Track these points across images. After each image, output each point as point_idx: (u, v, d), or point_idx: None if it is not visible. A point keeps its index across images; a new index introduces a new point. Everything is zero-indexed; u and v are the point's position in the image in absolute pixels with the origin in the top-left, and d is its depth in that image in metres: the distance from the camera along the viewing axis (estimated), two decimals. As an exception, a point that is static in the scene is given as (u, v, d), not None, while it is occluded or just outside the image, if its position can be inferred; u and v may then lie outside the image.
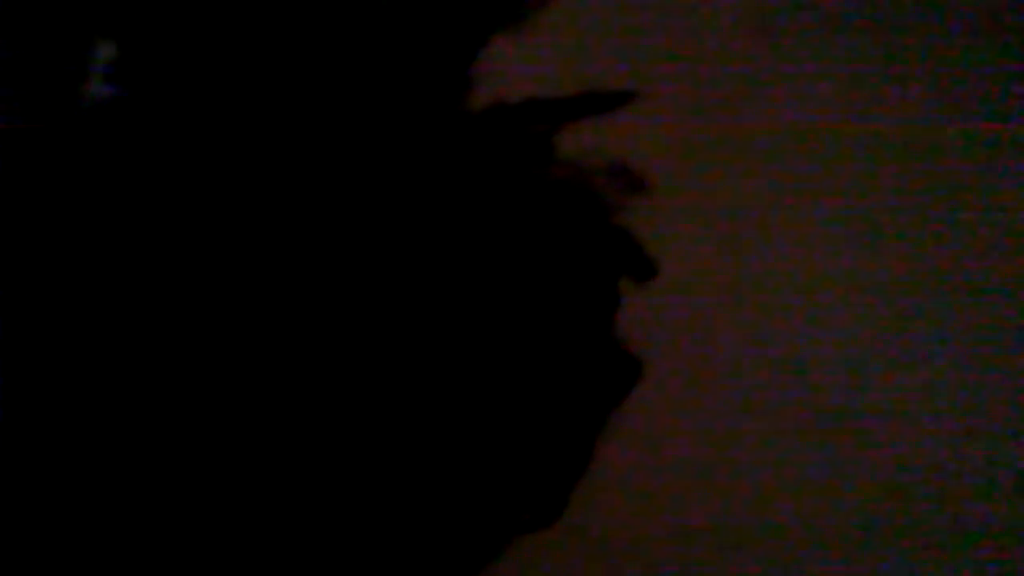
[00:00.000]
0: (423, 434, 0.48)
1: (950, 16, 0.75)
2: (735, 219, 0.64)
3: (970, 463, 0.66)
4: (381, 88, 0.51)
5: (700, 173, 0.62)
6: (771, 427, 0.63)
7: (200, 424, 0.46)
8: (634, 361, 0.52)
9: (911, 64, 0.71)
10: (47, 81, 0.50)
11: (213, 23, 0.50)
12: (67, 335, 0.46)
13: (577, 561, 0.60)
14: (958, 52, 0.74)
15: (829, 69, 0.69)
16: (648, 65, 0.61)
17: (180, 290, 0.46)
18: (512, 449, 0.50)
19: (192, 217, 0.47)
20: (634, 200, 0.53)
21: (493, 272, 0.50)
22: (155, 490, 0.46)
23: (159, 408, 0.46)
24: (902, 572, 0.64)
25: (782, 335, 0.65)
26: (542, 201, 0.52)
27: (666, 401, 0.57)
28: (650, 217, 0.51)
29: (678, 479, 0.61)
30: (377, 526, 0.48)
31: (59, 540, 0.46)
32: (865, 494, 0.66)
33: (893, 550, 0.65)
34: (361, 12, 0.50)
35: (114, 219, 0.47)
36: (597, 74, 0.57)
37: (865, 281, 0.68)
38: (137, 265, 0.47)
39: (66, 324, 0.46)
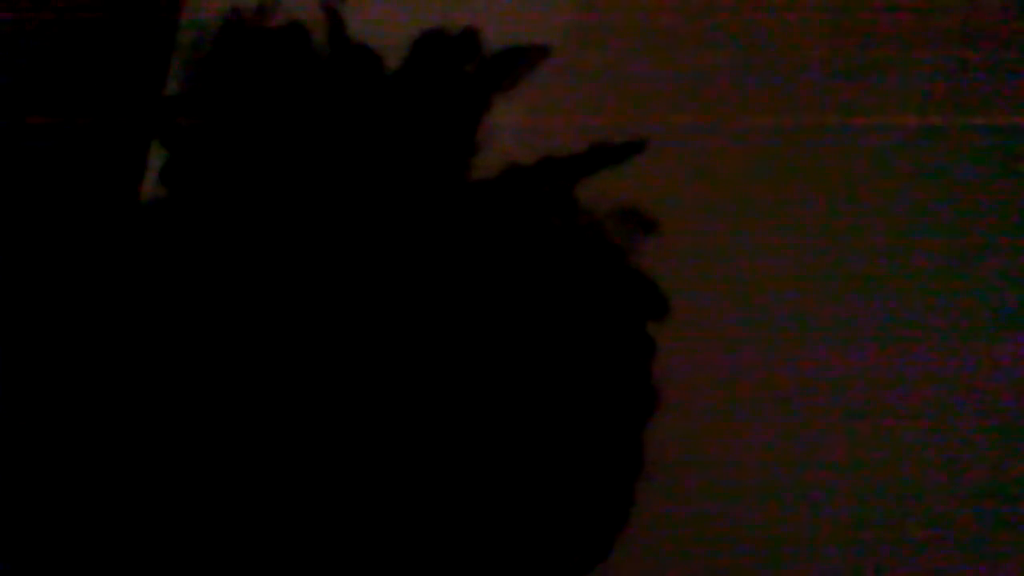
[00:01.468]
0: (460, 482, 0.50)
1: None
2: (741, 249, 0.66)
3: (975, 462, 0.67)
4: (395, 165, 0.53)
5: (705, 209, 0.63)
6: (793, 453, 0.64)
7: (217, 427, 0.49)
8: (651, 391, 0.54)
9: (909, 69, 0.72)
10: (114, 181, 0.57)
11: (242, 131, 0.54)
12: (72, 337, 0.50)
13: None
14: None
15: (829, 92, 0.71)
16: (645, 109, 0.63)
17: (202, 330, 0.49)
18: (549, 490, 0.52)
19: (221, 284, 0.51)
20: (644, 240, 0.55)
21: (529, 326, 0.53)
22: (156, 490, 0.49)
23: (162, 409, 0.49)
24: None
25: (793, 360, 0.66)
26: (566, 252, 0.55)
27: (684, 429, 0.59)
28: (659, 256, 0.54)
29: (714, 513, 0.63)
30: (417, 569, 0.50)
31: (61, 540, 0.49)
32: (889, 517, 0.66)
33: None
34: (368, 108, 0.54)
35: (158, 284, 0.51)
36: (596, 125, 0.59)
37: (875, 302, 0.69)
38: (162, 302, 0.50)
39: (73, 327, 0.50)
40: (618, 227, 0.55)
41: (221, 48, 0.55)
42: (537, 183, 0.55)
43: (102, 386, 0.50)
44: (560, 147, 0.54)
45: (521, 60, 0.56)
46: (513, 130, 0.55)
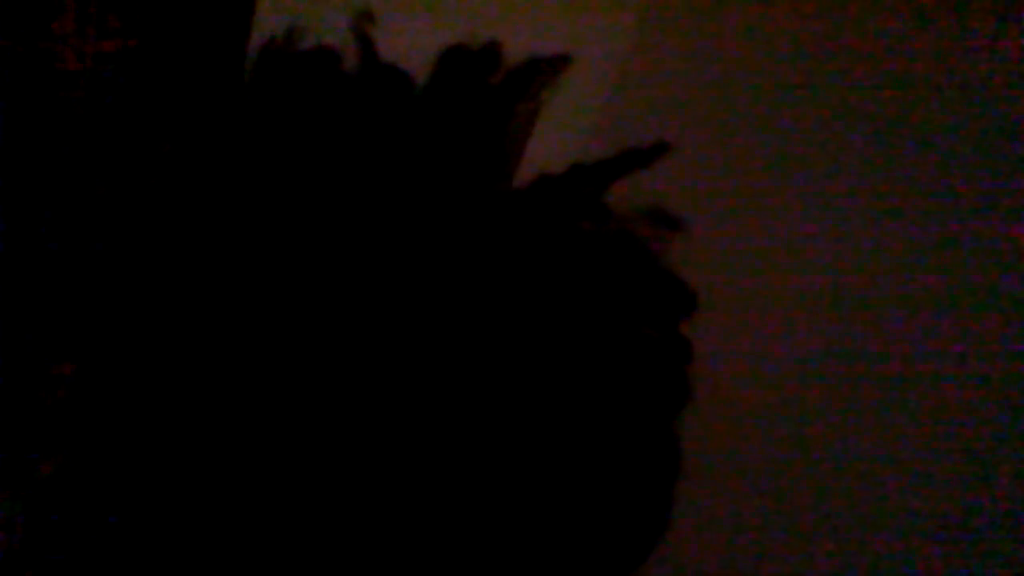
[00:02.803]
0: (490, 487, 0.51)
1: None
2: (770, 247, 0.66)
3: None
4: (426, 176, 0.54)
5: (732, 208, 0.64)
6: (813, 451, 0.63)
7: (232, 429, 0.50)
8: (686, 390, 0.54)
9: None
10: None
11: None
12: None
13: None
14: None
15: (858, 96, 0.70)
16: (669, 110, 0.64)
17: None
18: (583, 493, 0.52)
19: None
20: (672, 239, 0.56)
21: (561, 330, 0.53)
22: (155, 489, 0.50)
23: (162, 407, 0.50)
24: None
25: (825, 357, 0.65)
26: (596, 256, 0.55)
27: (716, 428, 0.58)
28: (686, 253, 0.54)
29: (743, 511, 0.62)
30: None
31: (63, 539, 0.50)
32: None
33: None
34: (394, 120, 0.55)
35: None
36: (624, 130, 0.60)
37: (897, 300, 0.68)
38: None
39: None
40: (646, 228, 0.56)
41: (257, 74, 0.57)
42: (566, 189, 0.56)
43: (108, 383, 0.52)
44: (587, 153, 0.55)
45: (545, 69, 0.57)
46: (544, 140, 0.56)
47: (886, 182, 0.69)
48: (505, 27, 0.58)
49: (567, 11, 0.68)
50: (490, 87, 0.57)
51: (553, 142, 0.56)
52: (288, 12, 0.56)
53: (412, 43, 0.58)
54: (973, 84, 0.70)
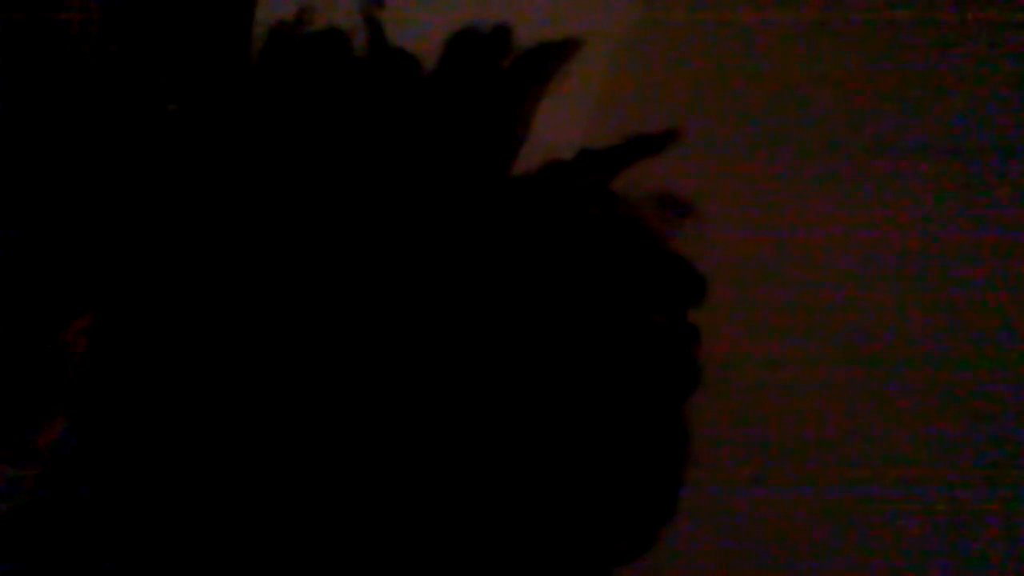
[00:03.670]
0: (496, 472, 0.51)
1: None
2: (780, 232, 0.65)
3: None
4: (435, 163, 0.54)
5: (742, 194, 0.63)
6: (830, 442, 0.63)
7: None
8: (695, 377, 0.54)
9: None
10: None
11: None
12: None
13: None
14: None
15: (868, 82, 0.70)
16: (678, 96, 0.64)
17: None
18: (589, 479, 0.53)
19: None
20: (682, 225, 0.55)
21: (569, 316, 0.53)
22: (156, 488, 0.50)
23: (162, 407, 0.50)
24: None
25: (836, 343, 0.65)
26: (604, 242, 0.55)
27: (725, 415, 0.58)
28: (697, 240, 0.54)
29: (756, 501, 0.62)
30: (471, 561, 0.51)
31: (63, 537, 0.50)
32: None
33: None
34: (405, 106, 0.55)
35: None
36: (632, 116, 0.60)
37: (912, 297, 0.67)
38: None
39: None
40: (655, 214, 0.56)
41: (266, 55, 0.57)
42: (575, 175, 0.56)
43: (108, 389, 0.51)
44: (592, 135, 0.55)
45: (554, 54, 0.57)
46: (550, 124, 0.56)
47: (902, 168, 0.69)
48: (512, 10, 0.57)
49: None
50: (499, 71, 0.56)
51: (557, 124, 0.56)
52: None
53: (421, 26, 0.57)
54: (993, 68, 0.69)
